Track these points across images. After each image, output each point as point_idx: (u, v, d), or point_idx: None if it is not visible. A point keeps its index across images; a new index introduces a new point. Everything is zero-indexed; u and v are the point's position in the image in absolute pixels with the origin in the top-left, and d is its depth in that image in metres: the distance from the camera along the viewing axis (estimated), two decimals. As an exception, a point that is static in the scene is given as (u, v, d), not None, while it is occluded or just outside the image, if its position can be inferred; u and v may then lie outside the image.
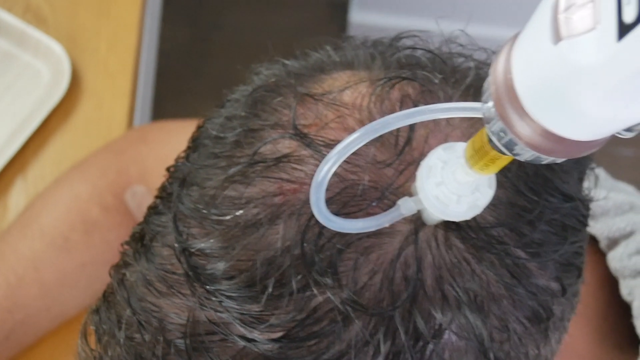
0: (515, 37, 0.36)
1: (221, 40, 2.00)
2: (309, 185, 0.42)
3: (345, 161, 0.42)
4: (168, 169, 0.53)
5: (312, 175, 0.42)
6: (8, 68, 1.06)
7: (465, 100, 0.49)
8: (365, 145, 0.43)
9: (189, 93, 1.94)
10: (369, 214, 0.44)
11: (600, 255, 0.66)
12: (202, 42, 2.00)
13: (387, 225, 0.43)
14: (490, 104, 0.36)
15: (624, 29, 0.30)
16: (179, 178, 0.50)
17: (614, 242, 0.64)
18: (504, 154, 0.38)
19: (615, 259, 0.64)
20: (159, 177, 0.88)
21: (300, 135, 0.46)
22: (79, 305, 0.88)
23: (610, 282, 0.65)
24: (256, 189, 0.46)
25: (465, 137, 0.47)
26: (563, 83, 0.33)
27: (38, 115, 1.02)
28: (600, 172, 0.72)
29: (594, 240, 0.67)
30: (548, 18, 0.33)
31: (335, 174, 0.42)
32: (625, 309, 0.64)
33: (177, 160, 0.53)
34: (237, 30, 2.01)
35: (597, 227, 0.65)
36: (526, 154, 0.36)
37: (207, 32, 2.01)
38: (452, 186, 0.42)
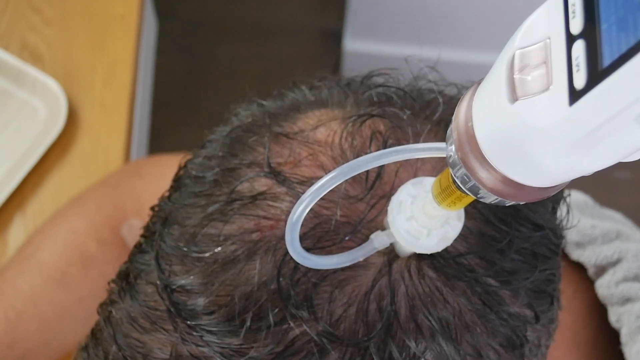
0: (478, 84, 0.37)
1: (216, 71, 2.01)
2: (285, 221, 0.44)
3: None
4: (152, 208, 0.55)
5: (288, 211, 0.45)
6: (5, 106, 1.08)
7: (436, 134, 0.50)
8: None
9: (185, 124, 1.95)
10: (343, 248, 0.45)
11: (589, 283, 0.67)
12: (197, 73, 2.01)
13: (361, 259, 0.45)
14: (453, 148, 0.38)
15: (575, 95, 0.32)
16: (161, 217, 0.52)
17: (601, 270, 0.65)
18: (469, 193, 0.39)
19: (603, 287, 0.65)
20: (153, 211, 0.89)
21: (275, 174, 0.48)
22: (78, 339, 0.88)
23: (598, 310, 0.66)
24: (234, 226, 0.47)
25: (435, 171, 0.49)
26: (520, 139, 0.34)
27: (36, 152, 1.03)
28: (587, 199, 0.73)
29: (582, 268, 0.68)
30: (504, 76, 0.35)
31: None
32: (613, 335, 0.65)
33: (160, 199, 0.55)
34: (232, 61, 2.03)
35: (585, 255, 0.66)
36: (490, 198, 0.38)
37: (202, 63, 2.03)
38: (422, 220, 0.44)
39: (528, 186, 0.36)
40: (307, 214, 0.44)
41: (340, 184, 0.47)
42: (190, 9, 2.07)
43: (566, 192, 0.55)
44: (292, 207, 0.45)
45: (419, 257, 0.46)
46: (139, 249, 0.53)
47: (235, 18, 2.07)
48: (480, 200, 0.39)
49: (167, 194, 0.55)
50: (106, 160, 1.06)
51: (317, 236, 0.46)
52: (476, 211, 0.48)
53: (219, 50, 2.04)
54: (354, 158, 0.47)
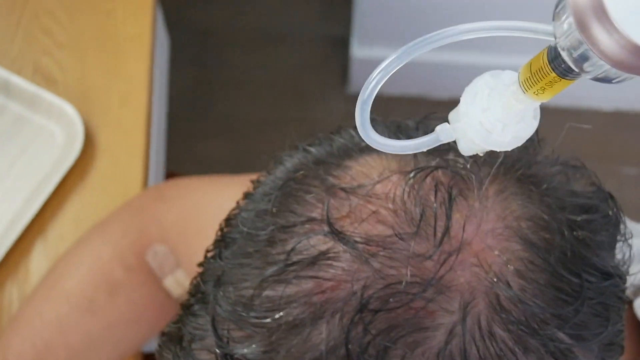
0: None
1: (226, 80, 2.01)
2: (349, 282, 0.43)
3: (383, 256, 0.43)
4: (199, 265, 0.53)
5: (350, 271, 0.43)
6: (21, 131, 1.07)
7: (495, 177, 0.49)
8: (403, 238, 0.44)
9: (199, 134, 1.95)
10: (410, 309, 0.44)
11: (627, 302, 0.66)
12: (207, 82, 2.01)
13: (424, 149, 0.44)
14: (564, 20, 0.36)
15: None
16: (213, 276, 0.50)
17: (639, 289, 0.65)
18: (566, 74, 0.38)
19: None
20: (178, 235, 0.89)
21: (336, 233, 0.46)
22: (106, 367, 0.88)
23: (637, 329, 0.65)
24: (295, 288, 0.45)
25: (500, 219, 0.47)
26: None
27: (54, 176, 1.03)
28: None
29: None
30: None
31: (374, 269, 0.43)
32: None
33: (206, 254, 0.53)
34: (241, 69, 2.03)
35: None
36: (596, 71, 0.36)
37: (211, 72, 2.02)
38: (498, 113, 0.42)
39: None
40: (373, 274, 0.44)
41: (406, 242, 0.45)
42: (198, 19, 2.07)
43: (628, 233, 0.53)
44: (354, 267, 0.44)
45: (489, 316, 0.45)
46: (189, 310, 0.51)
47: (242, 27, 2.07)
48: (582, 75, 0.37)
49: (211, 247, 0.53)
50: (125, 182, 1.05)
51: (385, 298, 0.44)
52: (548, 265, 0.46)
53: (228, 59, 2.04)
54: (420, 212, 0.46)
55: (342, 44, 1.99)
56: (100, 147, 1.07)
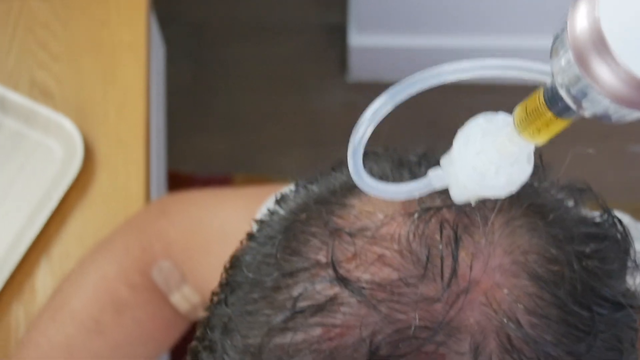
0: None
1: (223, 74, 1.99)
2: (358, 328, 0.42)
3: (391, 300, 0.42)
4: (206, 309, 0.53)
5: (359, 317, 0.43)
6: (19, 148, 1.06)
7: (500, 211, 0.48)
8: (410, 282, 0.43)
9: (198, 129, 1.94)
10: (420, 353, 0.43)
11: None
12: (205, 77, 2.00)
13: (416, 195, 0.44)
14: (562, 55, 0.35)
15: None
16: (219, 323, 0.49)
17: None
18: (563, 113, 0.37)
19: None
20: (182, 251, 0.88)
21: (341, 279, 0.45)
22: (115, 387, 0.88)
23: None
24: (303, 336, 0.45)
25: (507, 255, 0.46)
26: None
27: (55, 193, 1.01)
28: (628, 220, 0.71)
29: None
30: None
31: (382, 314, 0.42)
32: None
33: (212, 298, 0.52)
34: (238, 63, 2.01)
35: (636, 283, 0.65)
36: (595, 108, 0.35)
37: (209, 67, 2.01)
38: (492, 155, 0.41)
39: None
40: (382, 319, 0.43)
41: (415, 286, 0.44)
42: (192, 13, 2.05)
43: (639, 258, 0.52)
44: (362, 312, 0.43)
45: (501, 355, 0.44)
46: (197, 358, 0.51)
47: (238, 19, 2.05)
48: (581, 112, 0.36)
49: (217, 289, 0.52)
50: (127, 194, 1.04)
51: (395, 344, 0.43)
52: (558, 299, 0.45)
53: (224, 52, 2.02)
54: (426, 253, 0.45)
55: (339, 32, 1.97)
56: (99, 160, 1.05)
